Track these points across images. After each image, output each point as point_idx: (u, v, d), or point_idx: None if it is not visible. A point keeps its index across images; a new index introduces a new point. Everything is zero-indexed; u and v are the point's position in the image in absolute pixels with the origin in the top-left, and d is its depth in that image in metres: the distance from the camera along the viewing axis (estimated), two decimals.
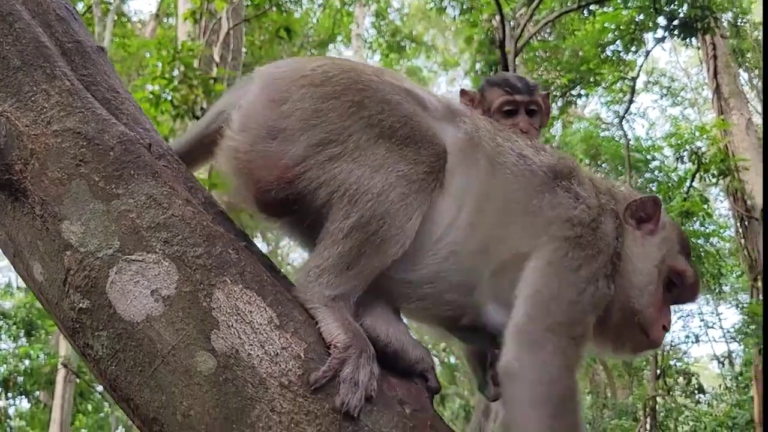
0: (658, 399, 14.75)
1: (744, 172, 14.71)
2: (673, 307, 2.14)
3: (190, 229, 1.69)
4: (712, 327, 19.90)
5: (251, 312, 1.61)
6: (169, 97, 9.69)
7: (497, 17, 12.73)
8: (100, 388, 16.19)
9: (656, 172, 18.34)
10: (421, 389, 1.71)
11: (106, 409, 21.27)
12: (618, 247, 1.97)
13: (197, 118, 9.88)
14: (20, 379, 18.42)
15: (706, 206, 14.47)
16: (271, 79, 1.94)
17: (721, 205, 20.78)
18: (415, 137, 1.83)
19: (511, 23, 13.36)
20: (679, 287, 2.09)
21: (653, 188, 16.56)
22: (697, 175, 14.42)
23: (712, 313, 20.11)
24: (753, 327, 12.80)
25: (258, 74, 2.01)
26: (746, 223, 14.46)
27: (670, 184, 16.55)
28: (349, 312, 1.73)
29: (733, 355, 19.57)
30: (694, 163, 14.26)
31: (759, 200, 14.24)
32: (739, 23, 18.17)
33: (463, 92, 2.88)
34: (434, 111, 1.99)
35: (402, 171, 1.77)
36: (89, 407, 21.44)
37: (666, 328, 2.06)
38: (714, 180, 15.53)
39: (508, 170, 1.97)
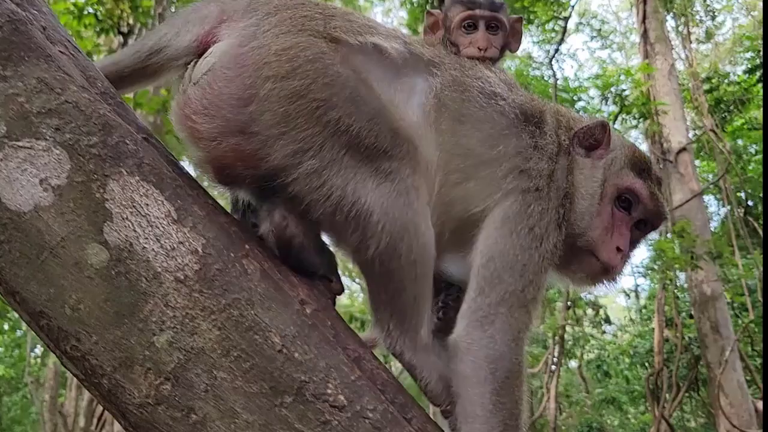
0: (567, 328, 15.51)
1: (663, 116, 15.16)
2: None
3: (85, 117, 1.59)
4: None
5: (147, 205, 1.55)
6: (93, 11, 9.08)
7: None
8: None
9: (581, 113, 18.71)
10: (324, 291, 1.70)
11: (23, 328, 20.75)
12: (569, 188, 1.96)
13: (123, 34, 9.37)
14: None
15: None
16: (234, 65, 1.72)
17: (641, 147, 21.47)
18: (381, 144, 1.72)
19: None
20: (636, 205, 2.04)
21: None
22: (620, 117, 14.80)
23: None
24: (659, 263, 13.49)
25: (218, 50, 1.78)
26: (661, 165, 15.01)
27: None
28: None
29: (639, 289, 20.72)
30: (617, 105, 14.62)
31: (674, 143, 14.77)
32: None
33: (428, 13, 2.88)
34: (401, 62, 1.91)
35: (393, 179, 1.71)
36: (6, 326, 20.87)
37: (620, 250, 2.00)
38: (635, 122, 15.98)
39: (474, 121, 1.93)
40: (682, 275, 13.95)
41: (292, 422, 1.44)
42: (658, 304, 14.46)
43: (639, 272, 19.02)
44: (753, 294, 14.26)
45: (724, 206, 16.81)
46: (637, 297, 20.51)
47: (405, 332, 1.76)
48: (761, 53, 17.21)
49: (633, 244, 2.11)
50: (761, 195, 18.24)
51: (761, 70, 17.27)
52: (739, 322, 14.64)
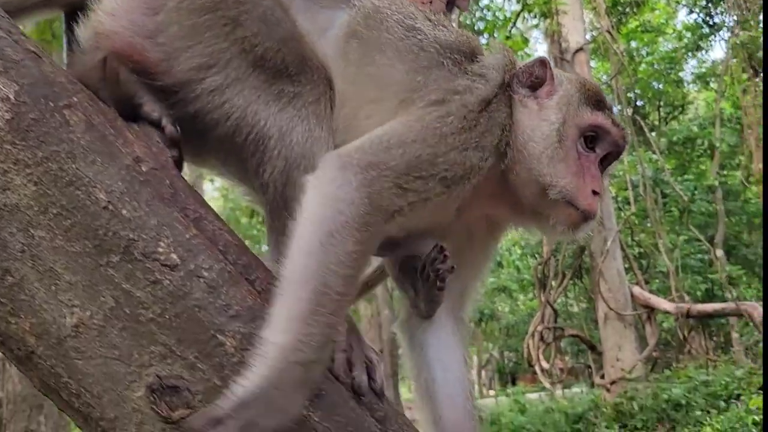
0: None
1: (563, 16, 15.30)
2: None
3: None
4: None
5: None
6: None
7: None
8: None
9: (485, 11, 18.63)
10: (164, 149, 1.56)
11: None
12: (506, 122, 1.80)
13: None
14: None
15: (526, 47, 15.04)
16: None
17: (541, 47, 21.73)
18: (288, 67, 1.67)
19: None
20: (602, 141, 1.91)
21: (481, 26, 16.91)
22: (521, 16, 14.80)
23: None
24: None
25: None
26: (559, 64, 15.28)
27: (496, 24, 16.94)
28: None
29: None
30: (519, 4, 14.60)
31: (572, 43, 15.03)
32: None
33: None
34: None
35: (296, 105, 1.64)
36: None
37: (596, 193, 1.85)
38: (536, 22, 16.06)
39: (392, 51, 1.81)
40: None
41: (119, 282, 1.35)
42: None
43: None
44: (636, 189, 15.11)
45: (615, 105, 17.44)
46: None
47: None
48: None
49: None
50: (650, 96, 19.05)
51: None
52: (622, 214, 15.57)
